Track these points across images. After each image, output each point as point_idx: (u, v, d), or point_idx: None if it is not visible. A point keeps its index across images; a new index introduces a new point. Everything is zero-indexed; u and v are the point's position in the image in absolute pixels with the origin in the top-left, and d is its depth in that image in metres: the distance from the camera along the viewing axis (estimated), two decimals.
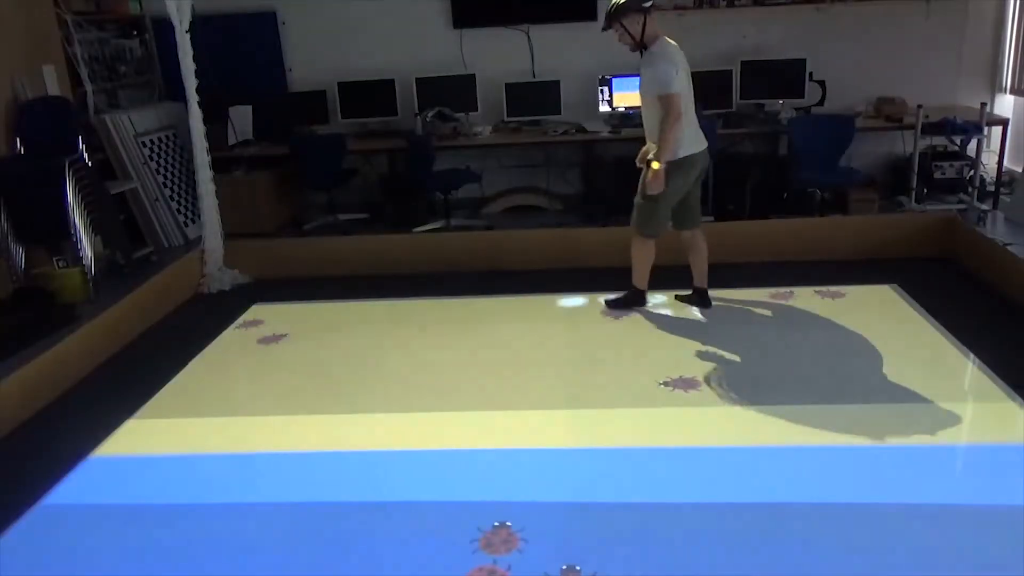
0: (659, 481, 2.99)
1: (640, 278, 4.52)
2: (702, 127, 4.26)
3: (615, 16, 4.04)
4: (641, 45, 4.08)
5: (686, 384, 3.74)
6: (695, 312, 4.57)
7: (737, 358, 3.98)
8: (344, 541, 2.76)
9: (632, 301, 4.58)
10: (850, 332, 4.22)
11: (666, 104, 3.96)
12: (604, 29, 4.14)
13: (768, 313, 4.55)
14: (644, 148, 4.26)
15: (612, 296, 4.64)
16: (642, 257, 4.44)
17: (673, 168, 4.11)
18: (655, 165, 4.01)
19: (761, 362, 3.92)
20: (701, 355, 4.02)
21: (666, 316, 4.54)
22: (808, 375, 3.78)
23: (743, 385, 3.69)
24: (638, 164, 4.25)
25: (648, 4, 4.00)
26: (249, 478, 3.18)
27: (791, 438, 3.24)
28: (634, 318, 4.53)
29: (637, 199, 4.27)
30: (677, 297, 4.68)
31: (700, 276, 4.54)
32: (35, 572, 2.70)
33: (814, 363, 3.90)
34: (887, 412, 3.40)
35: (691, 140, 4.16)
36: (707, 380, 3.76)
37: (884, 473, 2.96)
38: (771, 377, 3.77)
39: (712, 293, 4.59)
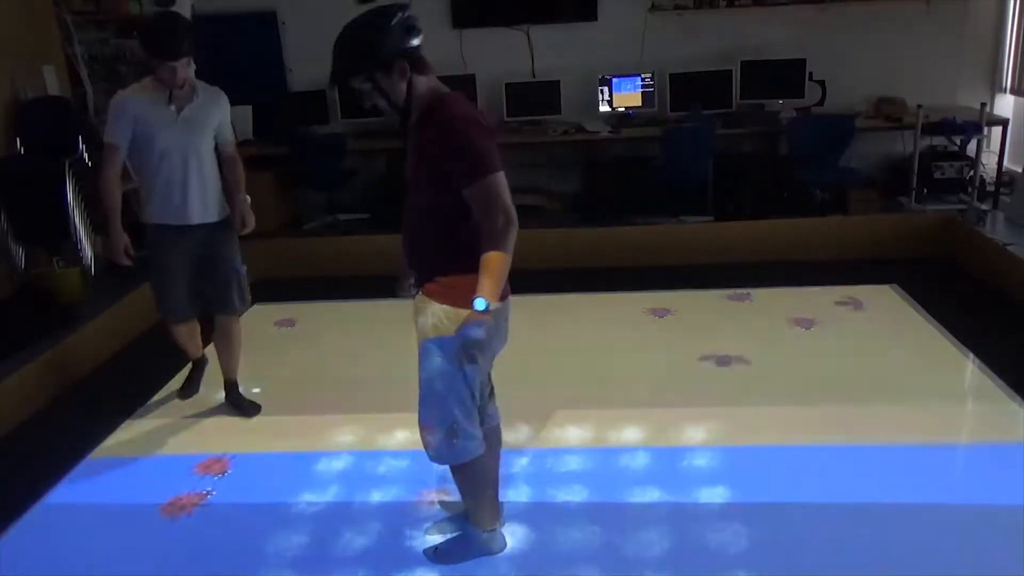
0: (655, 479, 3.00)
1: (190, 351, 3.84)
2: (701, 127, 4.18)
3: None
4: (179, 87, 3.47)
5: (684, 384, 3.74)
6: (697, 313, 4.56)
7: (732, 359, 3.98)
8: (342, 540, 2.76)
9: (193, 375, 3.93)
10: (849, 332, 4.22)
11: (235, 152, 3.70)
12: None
13: (767, 313, 4.54)
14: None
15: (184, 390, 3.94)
16: (176, 340, 3.73)
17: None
18: None
19: (757, 361, 3.92)
20: (698, 355, 4.03)
21: (673, 316, 4.54)
22: (807, 375, 3.78)
23: (737, 385, 3.70)
24: None
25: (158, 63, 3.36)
26: (249, 478, 3.18)
27: (789, 438, 3.24)
28: (635, 320, 4.53)
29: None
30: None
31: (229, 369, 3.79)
32: (35, 572, 2.71)
33: (813, 363, 3.90)
34: (887, 412, 3.40)
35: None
36: (702, 381, 3.77)
37: (884, 473, 2.96)
38: (768, 377, 3.77)
39: (712, 292, 4.56)
